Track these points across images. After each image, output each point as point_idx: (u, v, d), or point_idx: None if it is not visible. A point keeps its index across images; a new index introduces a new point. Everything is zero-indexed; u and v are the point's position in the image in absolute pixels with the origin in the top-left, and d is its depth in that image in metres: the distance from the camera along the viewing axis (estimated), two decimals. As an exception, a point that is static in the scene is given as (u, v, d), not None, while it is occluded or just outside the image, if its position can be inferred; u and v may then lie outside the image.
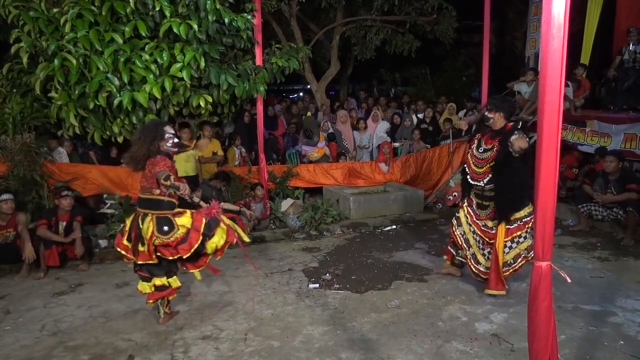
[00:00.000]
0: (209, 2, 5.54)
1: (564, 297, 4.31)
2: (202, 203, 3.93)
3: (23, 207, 5.73)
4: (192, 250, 3.75)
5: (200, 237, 3.78)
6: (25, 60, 5.39)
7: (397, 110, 10.45)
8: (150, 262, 3.80)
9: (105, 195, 6.48)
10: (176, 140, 3.88)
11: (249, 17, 6.07)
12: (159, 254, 3.79)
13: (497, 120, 4.17)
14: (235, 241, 3.95)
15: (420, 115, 9.79)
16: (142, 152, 3.72)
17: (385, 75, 15.28)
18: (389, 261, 5.50)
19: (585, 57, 9.10)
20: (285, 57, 6.67)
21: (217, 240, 3.86)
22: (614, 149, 6.76)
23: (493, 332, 3.76)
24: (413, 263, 5.42)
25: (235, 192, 7.04)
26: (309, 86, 11.15)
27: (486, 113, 4.24)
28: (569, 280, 2.40)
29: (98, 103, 5.32)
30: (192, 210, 3.90)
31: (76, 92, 5.26)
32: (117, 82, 5.28)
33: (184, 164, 6.35)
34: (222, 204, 6.26)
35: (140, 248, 3.77)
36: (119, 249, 3.90)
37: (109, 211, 6.24)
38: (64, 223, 5.38)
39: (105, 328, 3.96)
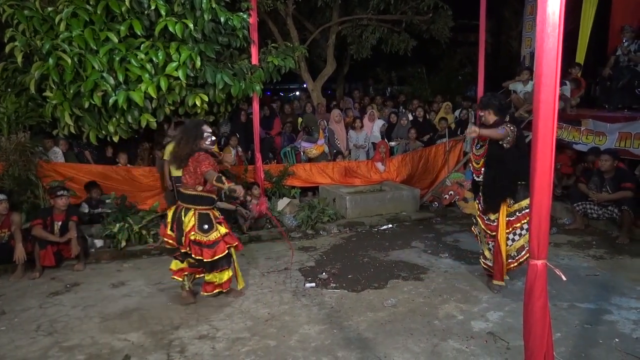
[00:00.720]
0: (204, 1, 5.53)
1: (560, 295, 4.32)
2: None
3: (18, 207, 5.71)
4: (214, 258, 4.09)
5: (226, 250, 4.16)
6: (19, 59, 5.37)
7: (394, 109, 10.46)
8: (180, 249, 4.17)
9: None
10: (214, 138, 4.21)
11: (245, 16, 6.07)
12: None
13: (487, 117, 4.31)
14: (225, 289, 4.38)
15: (410, 116, 9.81)
16: (186, 151, 4.05)
17: (382, 74, 15.30)
18: (385, 260, 5.50)
19: (580, 56, 9.12)
20: (281, 56, 6.66)
21: (220, 277, 4.26)
22: (608, 147, 6.78)
23: (489, 330, 3.77)
24: (409, 262, 5.42)
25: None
26: (305, 85, 11.13)
27: (479, 113, 4.41)
28: (564, 278, 2.40)
29: (93, 102, 5.30)
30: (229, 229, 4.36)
31: (71, 92, 5.25)
32: (112, 81, 5.26)
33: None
34: (218, 203, 6.28)
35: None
36: (165, 238, 4.28)
37: (108, 211, 6.24)
38: (60, 223, 5.36)
39: (101, 328, 3.95)
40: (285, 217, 6.85)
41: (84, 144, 7.45)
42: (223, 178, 3.92)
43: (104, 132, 5.83)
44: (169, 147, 5.71)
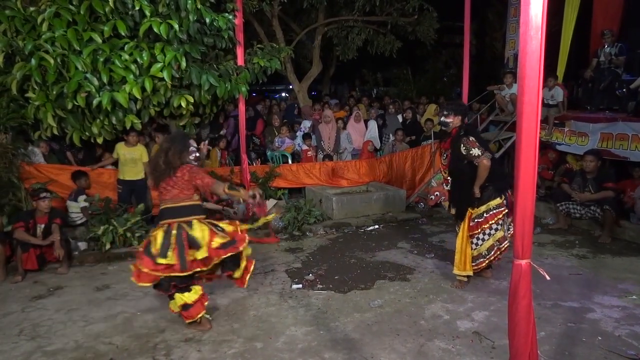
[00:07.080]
0: (189, 1, 5.49)
1: (544, 295, 4.38)
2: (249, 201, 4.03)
3: (0, 210, 5.61)
4: (239, 250, 3.81)
5: (246, 242, 3.87)
6: (1, 59, 5.28)
7: (381, 111, 10.50)
8: (181, 275, 3.63)
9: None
10: (198, 154, 4.02)
11: (230, 17, 6.04)
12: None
13: (454, 123, 4.47)
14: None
15: (400, 117, 9.85)
16: (177, 162, 3.75)
17: (368, 75, 15.35)
18: (372, 261, 5.52)
19: (562, 59, 9.23)
20: (267, 57, 6.65)
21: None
22: (591, 148, 6.89)
23: (474, 329, 3.80)
24: (396, 262, 5.44)
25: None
26: (291, 86, 11.13)
27: (442, 118, 4.52)
28: (548, 277, 2.44)
29: (77, 103, 5.24)
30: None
31: (54, 92, 5.18)
32: (96, 82, 5.20)
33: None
34: (204, 203, 6.23)
35: (198, 255, 3.65)
36: (149, 270, 3.61)
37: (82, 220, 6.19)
38: (42, 225, 5.28)
39: (85, 332, 3.90)
40: (271, 218, 6.84)
41: (67, 145, 7.36)
42: (234, 185, 3.84)
43: (87, 133, 5.75)
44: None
